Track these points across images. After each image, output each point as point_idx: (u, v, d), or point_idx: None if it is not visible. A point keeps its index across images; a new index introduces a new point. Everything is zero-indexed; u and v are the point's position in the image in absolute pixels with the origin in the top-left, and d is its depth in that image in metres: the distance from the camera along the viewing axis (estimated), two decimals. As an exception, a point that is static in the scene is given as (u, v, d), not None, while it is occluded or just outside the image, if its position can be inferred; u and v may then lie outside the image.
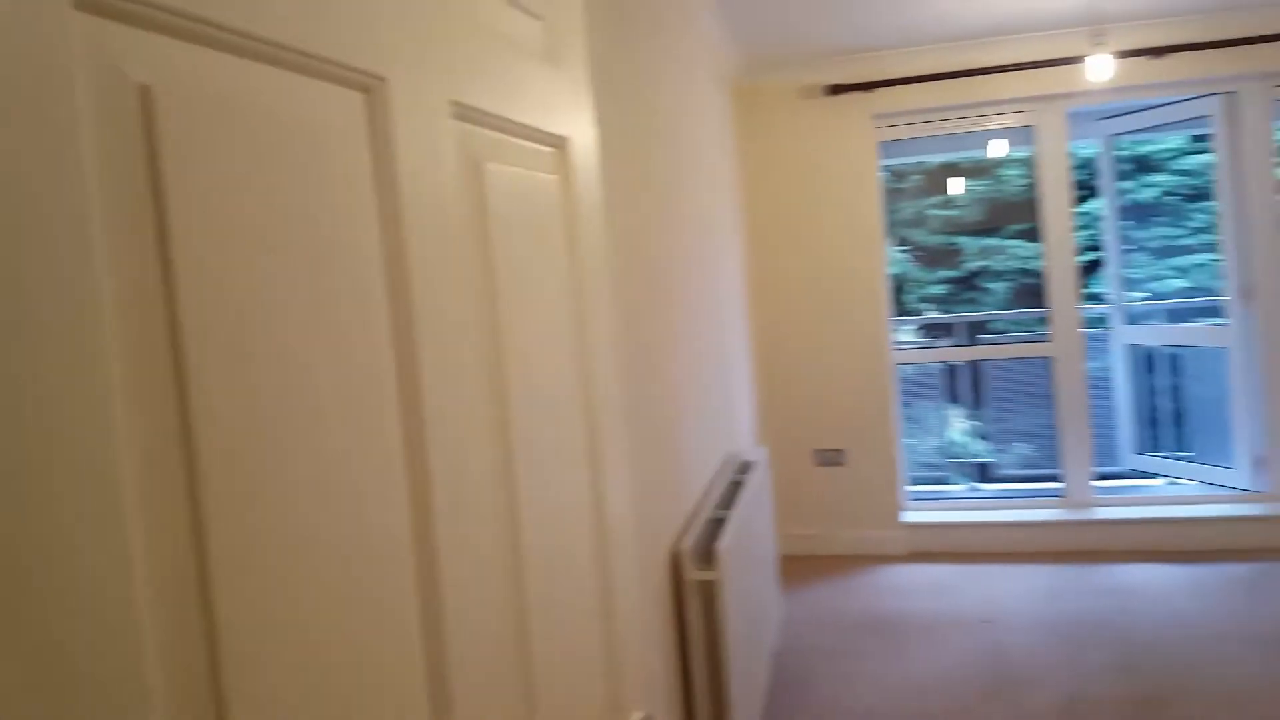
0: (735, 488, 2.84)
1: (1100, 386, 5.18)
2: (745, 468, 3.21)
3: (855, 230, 4.38)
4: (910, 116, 4.39)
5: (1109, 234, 4.84)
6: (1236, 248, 4.18)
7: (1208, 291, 7.68)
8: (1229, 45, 3.84)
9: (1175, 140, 8.05)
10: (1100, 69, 3.35)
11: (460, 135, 0.83)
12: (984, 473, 5.84)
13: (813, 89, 4.34)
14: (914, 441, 6.14)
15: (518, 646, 0.87)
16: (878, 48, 4.17)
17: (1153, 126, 4.52)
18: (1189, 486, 4.62)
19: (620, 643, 1.08)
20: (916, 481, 5.59)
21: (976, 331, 6.70)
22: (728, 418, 3.39)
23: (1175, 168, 8.18)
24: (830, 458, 4.48)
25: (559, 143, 1.07)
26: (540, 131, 1.01)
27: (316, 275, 0.63)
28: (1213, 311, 4.82)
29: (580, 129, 1.13)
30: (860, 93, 4.26)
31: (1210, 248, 7.88)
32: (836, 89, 4.25)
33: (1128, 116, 4.57)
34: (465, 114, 0.84)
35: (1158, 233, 7.92)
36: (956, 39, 4.07)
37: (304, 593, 0.60)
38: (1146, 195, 7.90)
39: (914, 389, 6.05)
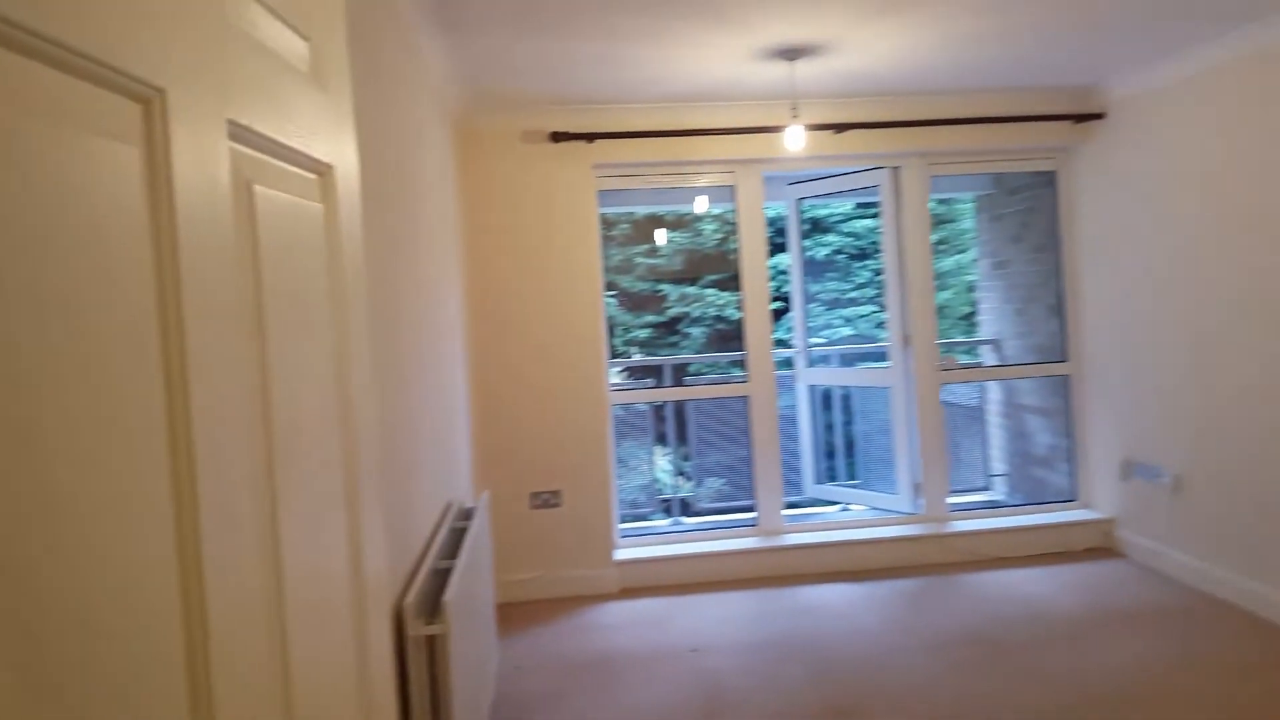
0: (458, 535, 2.74)
1: (788, 423, 5.71)
2: (467, 514, 3.11)
3: (575, 275, 4.48)
4: (626, 169, 4.60)
5: (794, 285, 5.38)
6: (898, 301, 4.82)
7: (871, 339, 8.92)
8: (896, 126, 4.47)
9: (845, 206, 9.23)
10: (795, 139, 3.74)
11: (235, 157, 0.76)
12: (685, 507, 6.17)
13: (536, 134, 4.41)
14: (623, 481, 6.35)
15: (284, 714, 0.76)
16: (599, 101, 4.33)
17: (833, 192, 5.11)
18: (861, 512, 5.21)
19: (377, 705, 0.97)
20: (625, 519, 5.78)
21: (679, 374, 7.14)
22: (450, 462, 3.28)
23: (844, 229, 9.38)
24: (547, 499, 4.50)
25: (325, 170, 1.01)
26: (308, 157, 0.94)
27: (74, 311, 0.54)
28: (878, 356, 5.52)
29: (345, 157, 1.07)
30: (581, 142, 4.39)
31: (872, 300, 9.20)
32: (559, 136, 4.35)
33: (813, 182, 5.14)
34: (240, 134, 0.77)
35: (830, 286, 9.04)
36: (671, 100, 4.34)
37: (60, 657, 0.50)
38: (821, 253, 8.98)
39: (621, 429, 6.28)
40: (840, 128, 4.45)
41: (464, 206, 4.34)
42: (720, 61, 3.70)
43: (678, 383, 6.74)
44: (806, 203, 5.46)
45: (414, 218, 2.76)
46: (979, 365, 6.13)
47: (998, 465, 5.99)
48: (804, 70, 3.82)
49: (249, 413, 0.76)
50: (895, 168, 4.75)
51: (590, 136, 4.36)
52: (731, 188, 4.73)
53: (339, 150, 1.05)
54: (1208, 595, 3.96)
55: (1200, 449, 4.01)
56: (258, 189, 0.81)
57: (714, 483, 7.45)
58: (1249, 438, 3.70)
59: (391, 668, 1.81)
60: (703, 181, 4.75)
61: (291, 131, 0.89)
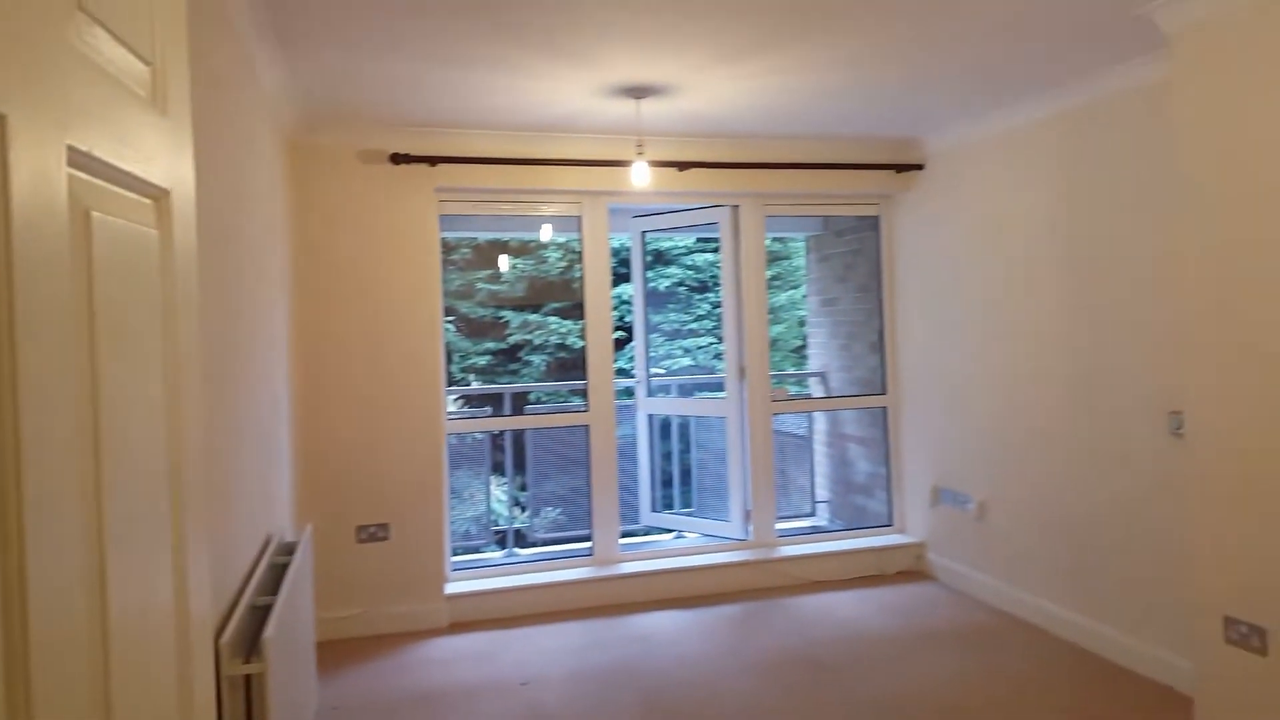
0: (279, 571, 2.58)
1: (627, 450, 5.76)
2: (289, 549, 2.94)
3: (412, 299, 4.36)
4: (471, 194, 4.54)
5: (637, 316, 5.46)
6: (735, 333, 4.98)
7: (709, 370, 9.20)
8: (735, 167, 4.65)
9: (688, 239, 9.50)
10: (641, 175, 3.82)
11: (72, 183, 0.73)
12: (520, 539, 6.08)
13: (376, 155, 4.29)
14: (456, 512, 6.20)
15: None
16: (444, 124, 4.26)
17: (676, 227, 5.24)
18: (695, 539, 5.31)
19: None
20: (459, 552, 5.64)
21: (519, 402, 7.07)
22: (271, 494, 3.10)
23: (686, 263, 9.64)
24: (374, 533, 4.32)
25: (161, 195, 0.97)
26: (145, 183, 0.91)
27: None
28: (716, 386, 5.68)
29: (182, 182, 1.04)
30: (424, 165, 4.31)
31: (711, 332, 9.50)
32: (399, 158, 4.24)
33: (657, 216, 5.25)
34: (78, 160, 0.74)
35: (671, 317, 9.25)
36: (519, 128, 4.34)
37: None
38: (663, 284, 9.19)
39: (456, 459, 6.15)
40: (683, 165, 4.58)
41: (295, 225, 4.14)
42: (569, 95, 3.74)
43: (517, 411, 6.67)
44: (650, 235, 5.57)
45: (243, 238, 2.61)
46: (808, 396, 6.43)
47: (822, 492, 6.28)
48: (650, 109, 3.92)
49: (79, 440, 0.73)
50: (734, 206, 4.94)
51: (433, 160, 4.29)
52: (578, 218, 4.76)
53: (177, 175, 1.02)
54: (1007, 614, 4.29)
55: (1001, 479, 4.36)
56: (95, 215, 0.79)
57: (550, 513, 7.40)
58: (1041, 470, 4.06)
59: (213, 709, 1.69)
60: (549, 210, 4.76)
61: (130, 157, 0.86)
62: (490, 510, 6.50)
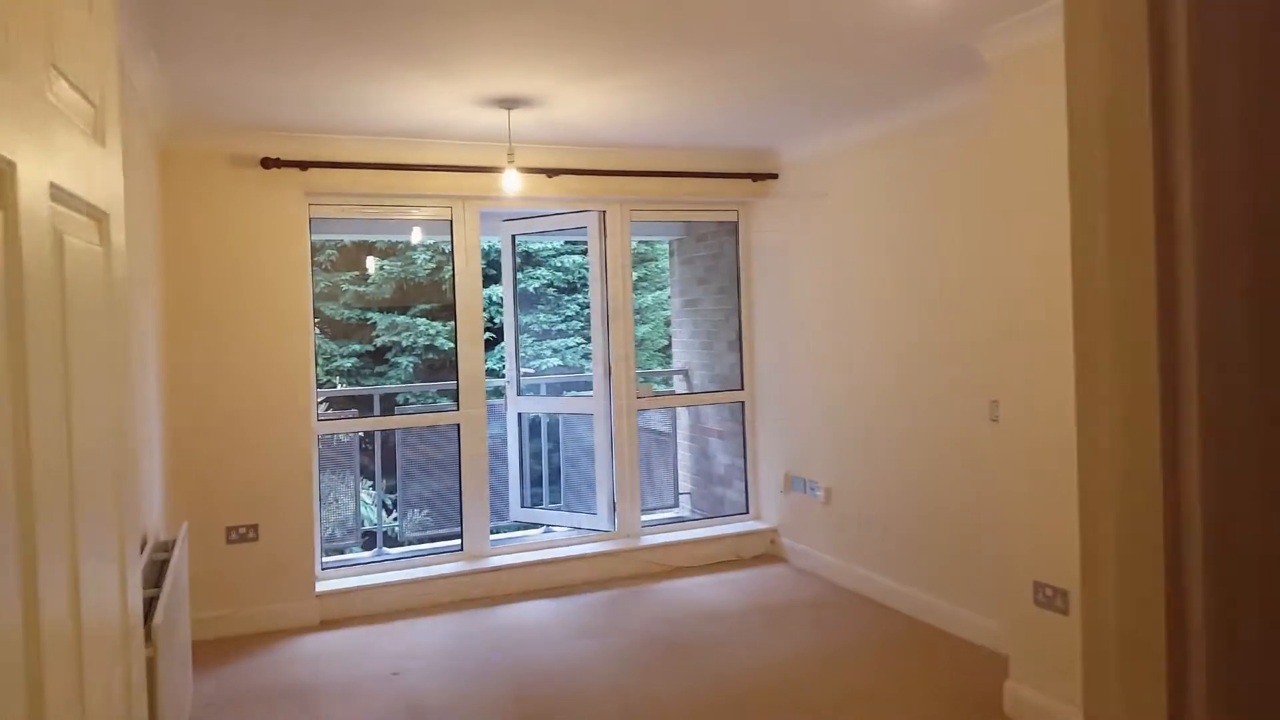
0: (159, 567, 2.61)
1: (498, 449, 5.91)
2: (166, 546, 2.96)
3: (281, 302, 4.38)
4: (342, 199, 4.58)
5: (507, 317, 5.62)
6: (602, 333, 5.22)
7: (577, 369, 9.41)
8: (601, 174, 4.88)
9: (556, 241, 9.67)
10: (512, 183, 3.99)
11: (54, 214, 0.86)
12: (389, 540, 6.11)
13: (246, 159, 4.28)
14: (326, 514, 6.18)
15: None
16: (316, 130, 4.30)
17: (546, 231, 5.43)
18: (563, 532, 5.51)
19: None
20: (328, 554, 5.64)
21: (387, 405, 7.08)
22: (144, 493, 3.09)
23: (555, 264, 9.82)
24: (243, 534, 4.31)
25: (103, 217, 1.10)
26: (93, 207, 1.05)
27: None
28: (584, 386, 5.90)
29: (116, 204, 1.17)
30: (294, 170, 4.33)
31: (579, 333, 9.72)
32: (270, 162, 4.25)
33: (527, 220, 5.42)
34: (57, 194, 0.87)
35: (540, 318, 9.41)
36: (391, 134, 4.42)
37: None
38: (532, 286, 9.33)
39: (324, 463, 6.12)
40: (552, 172, 4.78)
41: (167, 228, 4.09)
42: (440, 104, 3.87)
43: (386, 413, 6.68)
44: (520, 237, 5.73)
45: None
46: (671, 393, 6.75)
47: (685, 484, 6.61)
48: (520, 118, 4.09)
49: (48, 439, 0.83)
50: (602, 211, 5.18)
51: (304, 164, 4.32)
52: (449, 222, 4.87)
53: (112, 197, 1.14)
54: (849, 590, 4.71)
55: (844, 466, 4.77)
56: (66, 239, 0.91)
57: (418, 515, 7.43)
58: (879, 457, 4.49)
59: (145, 687, 1.77)
60: (421, 214, 4.85)
61: (83, 186, 0.99)
62: (358, 513, 6.49)
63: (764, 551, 5.42)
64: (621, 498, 5.25)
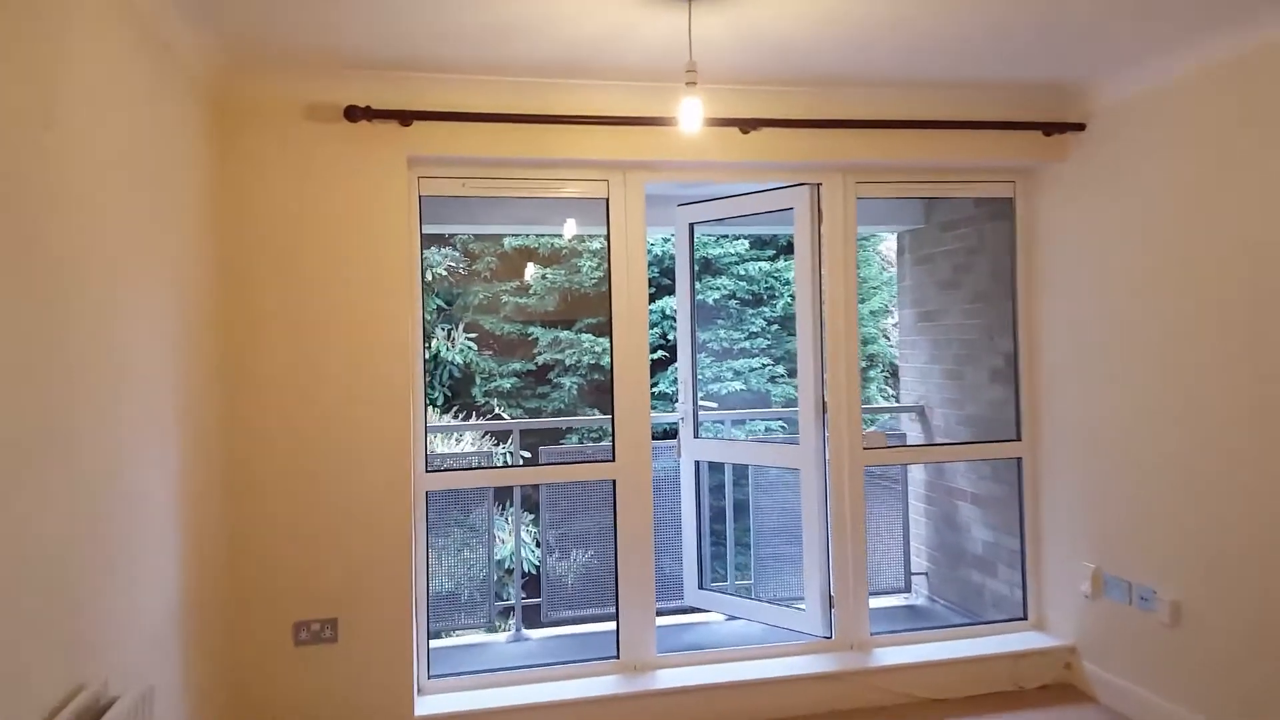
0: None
1: (665, 508, 4.50)
2: (100, 713, 1.73)
3: (376, 311, 3.17)
4: (459, 167, 3.34)
5: (682, 333, 4.20)
6: (813, 358, 3.69)
7: (762, 396, 7.92)
8: (818, 126, 3.38)
9: (738, 246, 8.21)
10: (693, 115, 2.57)
11: None
12: (529, 619, 4.80)
13: (327, 109, 3.11)
14: (444, 578, 4.97)
15: None
16: (421, 67, 3.07)
17: (736, 217, 3.98)
18: (753, 629, 4.03)
19: None
20: (440, 633, 4.46)
21: (541, 437, 5.87)
22: (93, 613, 1.90)
23: (737, 272, 8.33)
24: (317, 632, 3.10)
25: None
26: None
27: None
28: (779, 422, 4.39)
29: None
30: (392, 123, 3.12)
31: (763, 352, 8.21)
32: (358, 113, 3.06)
33: (707, 204, 4.01)
34: None
35: (719, 334, 7.99)
36: (522, 70, 3.12)
37: None
38: (711, 297, 7.93)
39: (452, 498, 4.93)
40: (747, 125, 3.33)
41: (218, 206, 2.97)
42: (594, 5, 2.52)
43: (537, 445, 5.44)
44: (700, 233, 4.31)
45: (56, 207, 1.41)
46: (903, 440, 5.06)
47: (919, 561, 4.93)
48: (706, 24, 2.67)
49: None
50: (815, 185, 3.67)
51: (405, 116, 3.10)
52: (604, 201, 3.52)
53: None
54: (1222, 773, 2.92)
55: (1211, 567, 2.99)
56: None
57: (579, 560, 6.09)
58: (1265, 552, 2.70)
59: None
60: (568, 190, 3.53)
61: None
62: (495, 568, 5.26)
63: (1054, 680, 3.68)
64: (841, 591, 3.69)
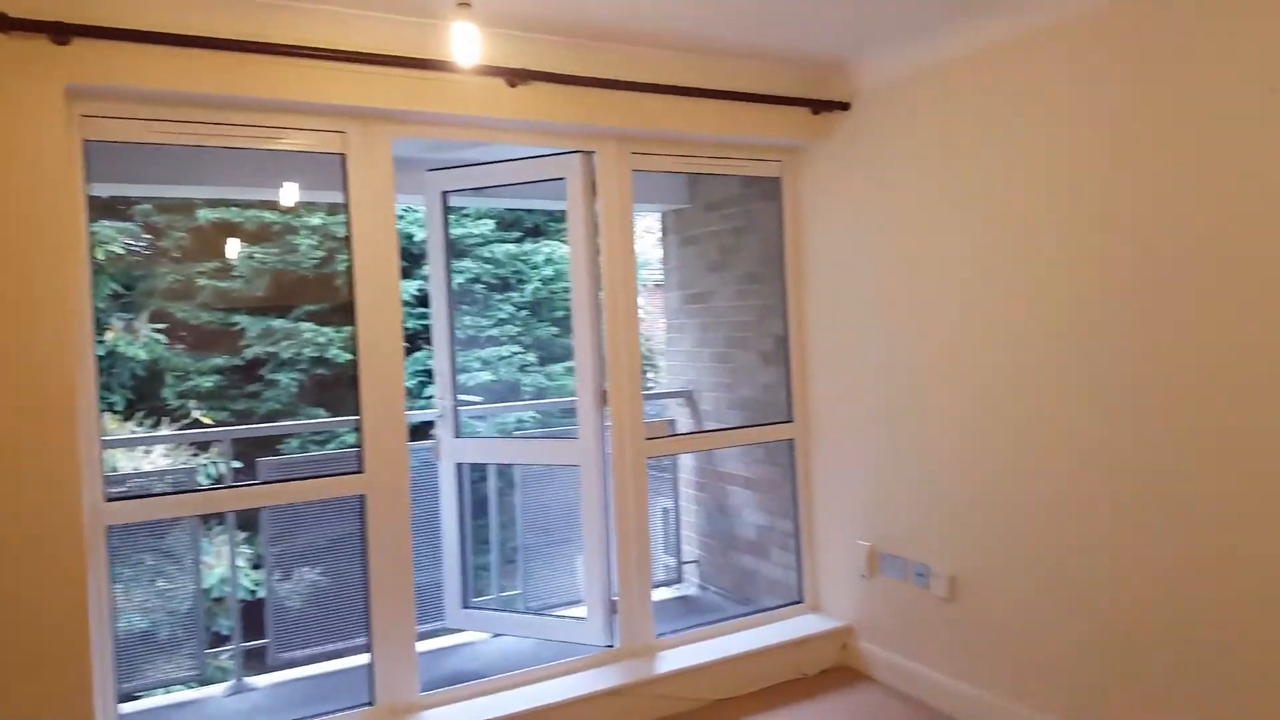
0: None
1: (423, 518, 3.95)
2: None
3: (22, 297, 2.35)
4: (142, 106, 2.57)
5: (437, 320, 3.68)
6: (591, 343, 3.34)
7: (513, 385, 7.46)
8: (595, 85, 3.03)
9: (483, 226, 7.67)
10: (467, 43, 2.09)
11: None
12: (252, 660, 4.01)
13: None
14: (135, 619, 4.05)
15: None
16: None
17: (497, 185, 3.51)
18: (528, 646, 3.65)
19: None
20: (135, 694, 3.64)
21: (257, 445, 5.02)
22: None
23: (483, 254, 7.78)
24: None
25: None
26: None
27: None
28: (565, 418, 4.02)
29: None
30: (43, 39, 2.33)
31: (513, 339, 7.74)
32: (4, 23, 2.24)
33: (464, 170, 3.52)
34: None
35: (464, 321, 7.42)
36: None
37: None
38: (453, 281, 7.32)
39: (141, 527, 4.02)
40: (516, 76, 2.89)
41: None
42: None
43: (250, 453, 4.59)
44: (454, 209, 3.79)
45: None
46: (673, 425, 4.85)
47: (689, 548, 4.79)
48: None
49: None
50: (589, 153, 3.31)
51: (63, 30, 2.32)
52: (340, 157, 2.91)
53: None
54: (1002, 740, 2.98)
55: (984, 541, 3.05)
56: None
57: (308, 593, 5.24)
58: (1061, 530, 2.77)
59: None
60: (292, 142, 2.87)
61: None
62: (203, 600, 4.40)
63: (834, 664, 3.65)
64: (625, 594, 3.39)
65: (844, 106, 3.45)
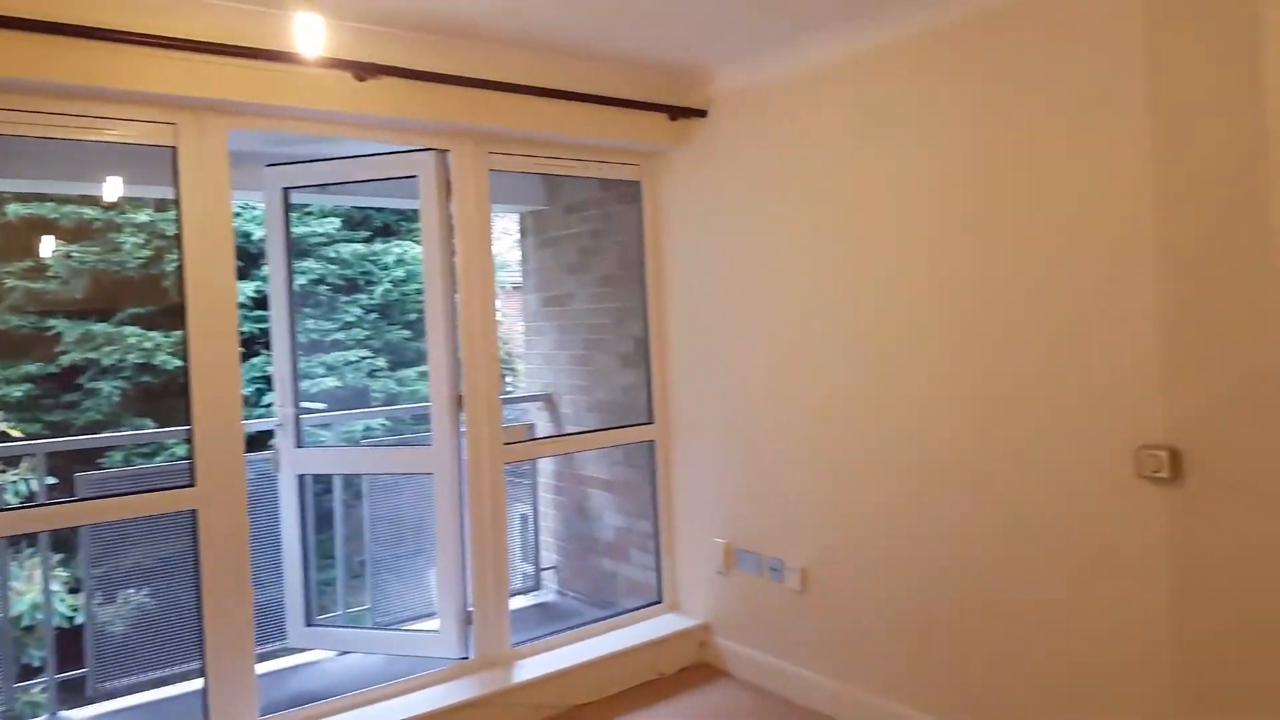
0: None
1: (263, 534, 3.74)
2: None
3: None
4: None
5: (277, 323, 3.49)
6: (446, 346, 3.24)
7: (361, 391, 7.13)
8: (449, 82, 2.94)
9: (328, 225, 7.33)
10: (311, 34, 1.98)
11: None
12: (71, 690, 3.67)
13: None
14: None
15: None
16: None
17: (344, 184, 3.36)
18: (376, 662, 3.51)
19: None
20: None
21: (75, 460, 4.60)
22: None
23: (328, 254, 7.43)
24: None
25: None
26: None
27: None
28: (418, 425, 3.89)
29: None
30: None
31: (360, 343, 7.41)
32: None
33: (306, 166, 3.35)
34: None
35: (307, 325, 7.06)
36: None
37: None
38: (295, 283, 6.93)
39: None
40: (364, 69, 2.78)
41: None
42: None
43: (70, 468, 4.20)
44: (295, 205, 3.60)
45: None
46: (531, 429, 4.79)
47: (549, 554, 4.74)
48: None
49: None
50: (443, 151, 3.22)
51: None
52: (171, 150, 2.71)
53: None
54: (850, 727, 3.10)
55: (835, 536, 3.17)
56: None
57: (132, 615, 4.80)
58: (907, 523, 2.92)
59: None
60: (118, 133, 2.64)
61: None
62: (11, 630, 4.00)
63: (693, 661, 3.70)
64: (481, 604, 3.32)
65: (701, 113, 3.51)
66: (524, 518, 4.87)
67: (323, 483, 4.24)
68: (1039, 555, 2.53)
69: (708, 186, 3.55)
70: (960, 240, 2.68)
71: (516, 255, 4.92)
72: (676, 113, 3.49)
